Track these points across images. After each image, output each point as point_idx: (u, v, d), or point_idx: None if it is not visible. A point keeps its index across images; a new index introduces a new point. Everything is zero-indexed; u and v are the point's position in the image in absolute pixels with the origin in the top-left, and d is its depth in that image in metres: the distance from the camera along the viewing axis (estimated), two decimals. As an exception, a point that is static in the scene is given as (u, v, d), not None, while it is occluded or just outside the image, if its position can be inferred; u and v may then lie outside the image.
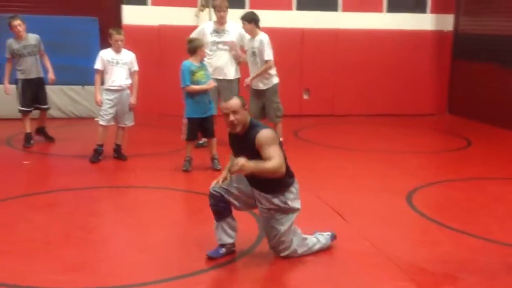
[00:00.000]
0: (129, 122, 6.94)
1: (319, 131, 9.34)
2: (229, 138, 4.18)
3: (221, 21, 7.52)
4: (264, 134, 3.90)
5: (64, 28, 9.02)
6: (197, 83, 6.33)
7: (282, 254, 4.16)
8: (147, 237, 4.53)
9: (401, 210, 5.40)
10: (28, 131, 7.51)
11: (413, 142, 8.71)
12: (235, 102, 3.93)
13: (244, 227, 4.73)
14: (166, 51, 9.88)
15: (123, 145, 6.99)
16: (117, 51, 6.71)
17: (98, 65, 6.72)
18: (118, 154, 6.96)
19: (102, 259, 4.10)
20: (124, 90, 6.78)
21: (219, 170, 6.51)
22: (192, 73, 6.31)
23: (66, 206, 5.28)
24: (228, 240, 4.19)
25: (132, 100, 6.83)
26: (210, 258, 4.11)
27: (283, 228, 4.10)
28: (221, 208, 4.15)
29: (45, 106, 7.69)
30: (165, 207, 5.35)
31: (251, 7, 10.12)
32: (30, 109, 7.49)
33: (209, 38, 7.45)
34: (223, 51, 7.50)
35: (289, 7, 10.20)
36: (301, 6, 10.37)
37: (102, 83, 6.84)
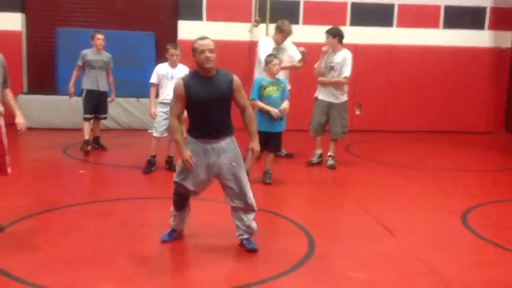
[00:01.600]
0: (181, 134, 7.03)
1: (371, 147, 9.22)
2: (188, 87, 4.23)
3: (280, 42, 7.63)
4: (237, 78, 4.37)
5: (122, 43, 9.27)
6: (267, 98, 6.35)
7: (252, 213, 4.47)
8: (192, 248, 4.55)
9: (456, 229, 5.23)
10: (86, 138, 7.78)
11: (468, 160, 8.48)
12: (211, 41, 4.30)
13: (292, 243, 4.71)
14: (219, 66, 9.98)
15: (175, 157, 7.08)
16: (173, 65, 6.83)
17: (153, 79, 6.86)
18: (170, 165, 7.05)
19: (152, 270, 4.14)
20: (178, 103, 6.88)
21: (268, 184, 6.51)
22: (263, 87, 6.36)
23: (119, 215, 5.38)
24: (182, 227, 4.64)
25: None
26: (163, 241, 4.49)
27: (245, 178, 4.42)
28: (186, 199, 4.52)
29: (103, 115, 8.03)
30: (215, 219, 5.36)
31: (304, 23, 10.18)
32: (91, 116, 7.80)
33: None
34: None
35: (343, 23, 10.16)
36: (355, 21, 10.33)
37: (157, 96, 6.97)
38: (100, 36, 7.74)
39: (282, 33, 7.54)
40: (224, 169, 4.35)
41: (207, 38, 4.35)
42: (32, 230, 4.73)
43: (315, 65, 7.40)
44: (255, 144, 4.48)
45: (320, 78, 7.40)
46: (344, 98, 7.44)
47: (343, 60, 7.27)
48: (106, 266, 4.13)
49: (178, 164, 4.40)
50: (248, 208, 4.48)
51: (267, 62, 6.45)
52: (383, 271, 4.22)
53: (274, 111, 6.33)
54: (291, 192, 6.48)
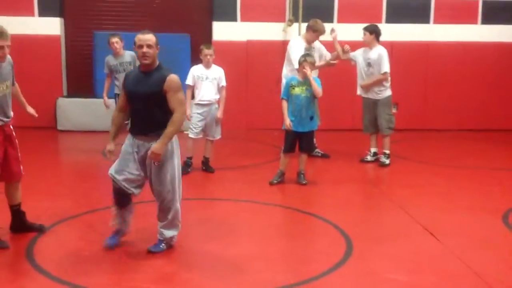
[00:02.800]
0: (217, 135, 7.06)
1: (409, 146, 9.07)
2: (126, 79, 4.31)
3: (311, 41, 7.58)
4: (174, 78, 4.19)
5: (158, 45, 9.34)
6: (296, 97, 6.35)
7: (172, 211, 4.36)
8: (231, 248, 4.56)
9: (497, 230, 5.11)
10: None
11: (508, 158, 8.27)
12: (150, 36, 4.20)
13: (330, 244, 4.69)
14: (253, 66, 10.03)
15: (211, 158, 7.12)
16: (207, 66, 6.86)
17: (189, 81, 6.90)
18: (206, 166, 7.09)
19: (190, 270, 4.17)
20: (213, 104, 6.92)
21: (304, 185, 6.48)
22: (292, 87, 6.35)
23: (155, 216, 5.42)
24: (125, 228, 4.46)
25: (219, 114, 6.94)
26: (109, 247, 4.35)
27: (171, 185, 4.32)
28: (125, 196, 4.35)
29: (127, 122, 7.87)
30: (250, 220, 5.37)
31: (339, 21, 10.11)
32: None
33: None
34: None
35: (378, 20, 10.03)
36: (391, 18, 10.20)
37: (192, 97, 7.01)
38: (114, 40, 7.52)
39: (316, 32, 7.50)
40: (149, 167, 4.28)
41: (149, 32, 4.26)
42: (74, 230, 4.82)
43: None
44: (157, 146, 4.09)
45: (361, 83, 7.47)
46: (387, 93, 7.45)
47: (379, 57, 7.30)
48: (145, 266, 4.18)
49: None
50: (164, 216, 4.39)
51: (300, 62, 6.43)
52: (424, 273, 4.15)
53: (285, 124, 6.36)
54: (327, 193, 6.43)
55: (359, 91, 7.61)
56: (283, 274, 4.10)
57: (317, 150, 7.87)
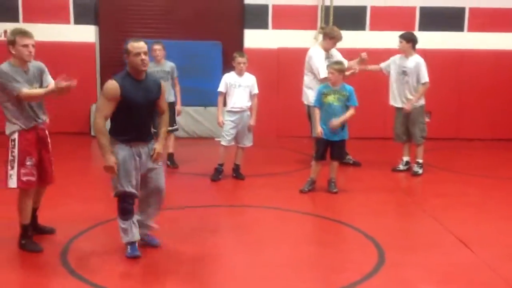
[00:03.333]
0: (248, 142, 7.09)
1: (442, 155, 8.95)
2: (123, 88, 4.17)
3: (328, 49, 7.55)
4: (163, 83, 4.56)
5: (190, 52, 9.45)
6: (328, 105, 6.34)
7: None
8: (262, 256, 4.56)
9: (533, 242, 5.01)
10: (171, 151, 7.72)
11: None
12: (144, 44, 4.29)
13: (361, 253, 4.66)
14: (284, 73, 10.04)
15: (241, 165, 7.14)
16: (240, 74, 6.91)
17: (221, 88, 6.95)
18: (237, 173, 7.12)
19: (221, 276, 4.19)
20: (245, 111, 6.95)
21: (335, 193, 6.45)
22: (324, 95, 6.36)
23: (187, 222, 5.47)
24: (137, 236, 4.40)
25: (252, 121, 6.97)
26: (135, 257, 4.31)
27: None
28: (133, 203, 4.39)
29: (171, 127, 7.85)
30: (280, 227, 5.37)
31: (371, 29, 10.07)
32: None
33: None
34: None
35: (411, 28, 9.95)
36: (424, 26, 10.11)
37: (224, 104, 7.06)
38: (156, 47, 7.37)
39: (333, 39, 7.43)
40: (149, 168, 4.41)
41: (141, 40, 4.31)
42: (107, 234, 4.89)
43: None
44: (160, 147, 4.42)
45: (409, 103, 7.28)
46: (420, 102, 7.37)
47: (416, 66, 7.23)
48: (176, 271, 4.21)
49: (113, 178, 4.27)
50: (159, 209, 4.67)
51: (328, 70, 6.43)
52: (456, 283, 4.10)
53: (316, 131, 6.37)
54: (359, 201, 6.39)
55: (392, 102, 7.52)
56: (312, 283, 4.09)
57: (348, 157, 7.83)
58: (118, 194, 4.30)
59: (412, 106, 7.28)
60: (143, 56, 4.21)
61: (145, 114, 4.33)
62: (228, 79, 6.93)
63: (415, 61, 7.26)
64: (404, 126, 7.46)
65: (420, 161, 7.46)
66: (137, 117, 4.25)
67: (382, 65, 7.59)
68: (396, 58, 7.48)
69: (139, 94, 4.24)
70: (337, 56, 7.63)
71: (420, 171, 7.40)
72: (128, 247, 4.37)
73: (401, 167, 7.62)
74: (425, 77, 7.25)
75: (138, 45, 4.24)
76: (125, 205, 4.33)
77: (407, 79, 7.30)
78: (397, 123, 7.54)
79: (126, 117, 4.23)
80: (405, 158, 7.64)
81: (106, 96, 4.17)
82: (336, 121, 6.30)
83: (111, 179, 4.32)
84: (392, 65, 7.48)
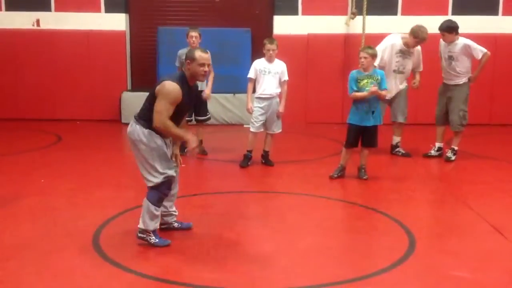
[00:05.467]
0: (277, 129, 7.07)
1: (475, 141, 8.78)
2: (183, 93, 4.19)
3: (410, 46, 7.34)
4: None
5: (219, 39, 9.43)
6: (361, 91, 6.28)
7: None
8: (292, 242, 4.55)
9: None
10: (200, 138, 7.60)
11: None
12: (210, 56, 4.36)
13: (392, 239, 4.62)
14: (314, 60, 9.96)
15: (270, 151, 7.13)
16: (270, 60, 6.87)
17: (251, 74, 6.93)
18: (266, 160, 7.11)
19: (252, 261, 4.20)
20: (274, 98, 6.93)
21: (365, 180, 6.39)
22: (358, 81, 6.29)
23: (218, 208, 5.50)
24: (172, 219, 4.66)
25: (281, 108, 6.94)
26: (167, 245, 4.35)
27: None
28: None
29: (202, 118, 7.73)
30: (310, 214, 5.35)
31: (403, 13, 9.90)
32: (189, 118, 7.74)
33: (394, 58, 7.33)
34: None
35: (444, 12, 9.77)
36: (457, 10, 9.89)
37: (254, 91, 7.03)
38: (193, 34, 7.30)
39: (415, 39, 7.21)
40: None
41: (208, 52, 4.35)
42: (137, 220, 4.93)
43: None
44: (195, 141, 4.36)
45: (474, 75, 7.30)
46: (464, 86, 7.26)
47: (464, 47, 7.10)
48: (207, 256, 4.24)
49: (156, 161, 4.27)
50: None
51: (359, 53, 6.35)
52: (490, 271, 4.02)
53: (371, 90, 6.17)
54: (389, 188, 6.32)
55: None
56: (343, 269, 4.07)
57: (398, 149, 7.67)
58: (166, 178, 4.33)
59: (474, 79, 7.28)
60: (206, 68, 4.31)
61: (183, 114, 4.45)
62: (258, 66, 6.90)
63: (462, 44, 7.11)
64: (444, 109, 7.34)
65: (456, 148, 7.34)
66: (177, 116, 4.31)
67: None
68: (442, 44, 7.35)
69: (188, 98, 4.36)
70: (418, 57, 7.45)
71: (453, 157, 7.28)
72: (153, 237, 4.37)
73: (433, 152, 7.52)
74: (482, 50, 7.08)
75: (205, 57, 4.30)
76: (166, 191, 4.40)
77: (454, 64, 7.16)
78: (439, 106, 7.44)
79: (172, 118, 4.30)
80: (438, 144, 7.52)
81: (169, 99, 4.17)
82: (385, 92, 6.35)
83: (149, 167, 4.29)
84: (440, 51, 7.36)
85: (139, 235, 4.40)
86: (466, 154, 7.66)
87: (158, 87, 4.22)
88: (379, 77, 6.31)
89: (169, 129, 4.21)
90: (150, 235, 4.38)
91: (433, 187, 6.42)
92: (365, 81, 6.27)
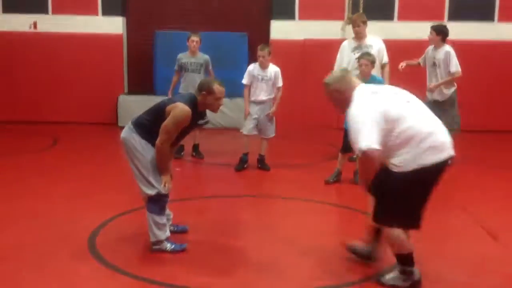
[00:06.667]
0: (271, 133, 7.09)
1: (473, 148, 8.76)
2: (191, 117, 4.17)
3: (358, 36, 7.29)
4: None
5: (216, 43, 9.43)
6: None
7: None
8: (288, 247, 4.55)
9: None
10: (196, 142, 7.79)
11: None
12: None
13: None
14: (310, 64, 9.98)
15: (266, 155, 7.14)
16: (263, 66, 6.88)
17: (245, 80, 6.95)
18: (262, 164, 7.12)
19: (247, 265, 4.19)
20: (267, 103, 6.96)
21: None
22: None
23: (213, 212, 5.50)
24: (168, 222, 4.50)
25: (271, 111, 6.94)
26: (184, 249, 4.31)
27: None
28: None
29: (201, 122, 7.75)
30: (306, 218, 5.35)
31: (399, 19, 9.96)
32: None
33: (351, 56, 7.17)
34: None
35: (441, 18, 9.78)
36: (454, 16, 9.96)
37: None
38: (194, 38, 7.44)
39: (352, 26, 7.22)
40: None
41: (224, 85, 4.35)
42: (134, 223, 4.93)
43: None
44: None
45: (430, 85, 7.20)
46: (450, 92, 7.22)
47: (446, 56, 7.09)
48: (202, 260, 4.24)
49: (151, 174, 4.22)
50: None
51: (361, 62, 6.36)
52: (485, 275, 4.03)
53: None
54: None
55: (427, 94, 7.29)
56: (340, 274, 4.05)
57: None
58: (158, 193, 4.25)
59: (431, 96, 7.13)
60: (222, 102, 4.36)
61: (184, 135, 4.44)
62: (252, 71, 6.92)
63: (445, 51, 7.13)
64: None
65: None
66: (178, 136, 4.29)
67: (420, 60, 7.44)
68: (429, 49, 7.35)
69: (195, 122, 4.36)
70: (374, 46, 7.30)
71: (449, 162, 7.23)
72: (168, 244, 4.34)
73: None
74: (456, 66, 7.07)
75: (223, 90, 4.34)
76: (165, 199, 4.33)
77: (438, 71, 7.16)
78: None
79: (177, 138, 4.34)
80: None
81: (178, 122, 4.13)
82: None
83: (143, 179, 4.25)
84: (426, 56, 7.36)
85: (154, 247, 4.33)
86: (463, 160, 7.65)
87: (170, 106, 4.15)
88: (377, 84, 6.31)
89: (163, 155, 4.18)
90: (164, 244, 4.34)
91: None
92: None
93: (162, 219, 4.32)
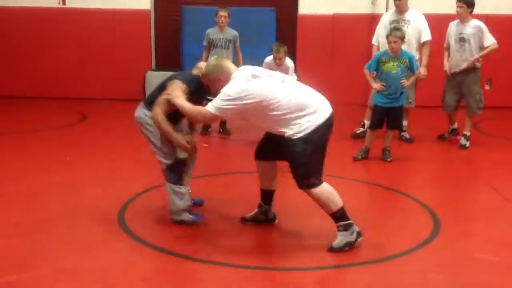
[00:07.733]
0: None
1: (502, 124, 8.65)
2: (196, 89, 4.28)
3: (399, 10, 7.22)
4: None
5: (244, 19, 9.34)
6: (387, 73, 6.21)
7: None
8: (316, 223, 4.53)
9: None
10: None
11: None
12: None
13: (416, 221, 4.59)
14: (339, 40, 9.84)
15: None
16: (279, 64, 6.71)
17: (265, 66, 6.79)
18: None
19: (272, 240, 4.21)
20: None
21: (389, 162, 6.34)
22: (382, 63, 6.23)
23: (239, 187, 5.51)
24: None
25: None
26: (202, 220, 4.41)
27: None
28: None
29: (209, 97, 7.71)
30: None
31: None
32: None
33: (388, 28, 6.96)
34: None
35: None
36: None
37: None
38: (222, 13, 7.37)
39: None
40: None
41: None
42: (160, 199, 4.97)
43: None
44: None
45: (469, 59, 6.89)
46: (475, 70, 7.00)
47: (478, 30, 6.86)
48: (226, 234, 4.26)
49: (165, 144, 4.32)
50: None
51: (387, 36, 6.33)
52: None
53: (374, 86, 6.32)
54: (414, 170, 6.27)
55: (447, 68, 7.12)
56: (367, 250, 4.04)
57: (403, 133, 7.41)
58: (177, 161, 4.36)
59: (469, 65, 6.89)
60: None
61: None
62: (270, 64, 6.77)
63: (474, 24, 6.89)
64: (457, 96, 7.11)
65: (468, 133, 7.08)
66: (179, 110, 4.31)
67: (446, 44, 7.20)
68: (452, 25, 7.11)
69: (200, 96, 4.41)
70: (412, 21, 7.16)
71: (468, 144, 7.04)
72: (188, 214, 4.41)
73: (446, 135, 7.45)
74: (489, 39, 6.85)
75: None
76: (182, 168, 4.43)
77: (466, 46, 6.91)
78: (450, 94, 7.14)
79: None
80: (452, 126, 7.43)
81: (167, 98, 4.22)
82: (407, 81, 6.26)
83: (158, 150, 4.36)
84: (449, 34, 7.13)
85: (173, 217, 4.41)
86: (492, 137, 7.57)
87: (169, 82, 4.26)
88: (407, 60, 6.22)
89: (159, 125, 4.21)
90: (184, 214, 4.40)
91: (458, 169, 6.34)
92: (391, 63, 6.19)
93: (181, 188, 4.39)
